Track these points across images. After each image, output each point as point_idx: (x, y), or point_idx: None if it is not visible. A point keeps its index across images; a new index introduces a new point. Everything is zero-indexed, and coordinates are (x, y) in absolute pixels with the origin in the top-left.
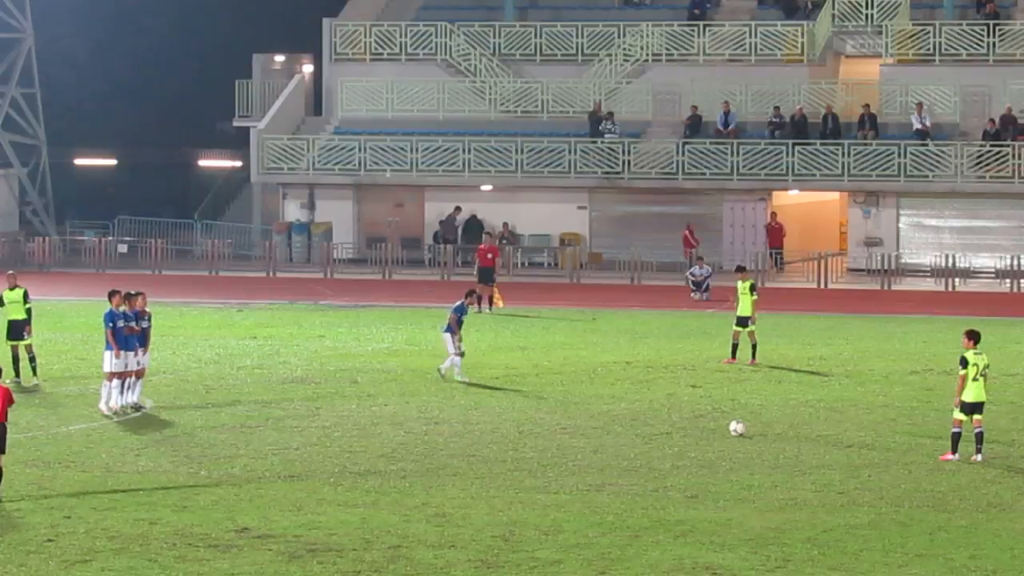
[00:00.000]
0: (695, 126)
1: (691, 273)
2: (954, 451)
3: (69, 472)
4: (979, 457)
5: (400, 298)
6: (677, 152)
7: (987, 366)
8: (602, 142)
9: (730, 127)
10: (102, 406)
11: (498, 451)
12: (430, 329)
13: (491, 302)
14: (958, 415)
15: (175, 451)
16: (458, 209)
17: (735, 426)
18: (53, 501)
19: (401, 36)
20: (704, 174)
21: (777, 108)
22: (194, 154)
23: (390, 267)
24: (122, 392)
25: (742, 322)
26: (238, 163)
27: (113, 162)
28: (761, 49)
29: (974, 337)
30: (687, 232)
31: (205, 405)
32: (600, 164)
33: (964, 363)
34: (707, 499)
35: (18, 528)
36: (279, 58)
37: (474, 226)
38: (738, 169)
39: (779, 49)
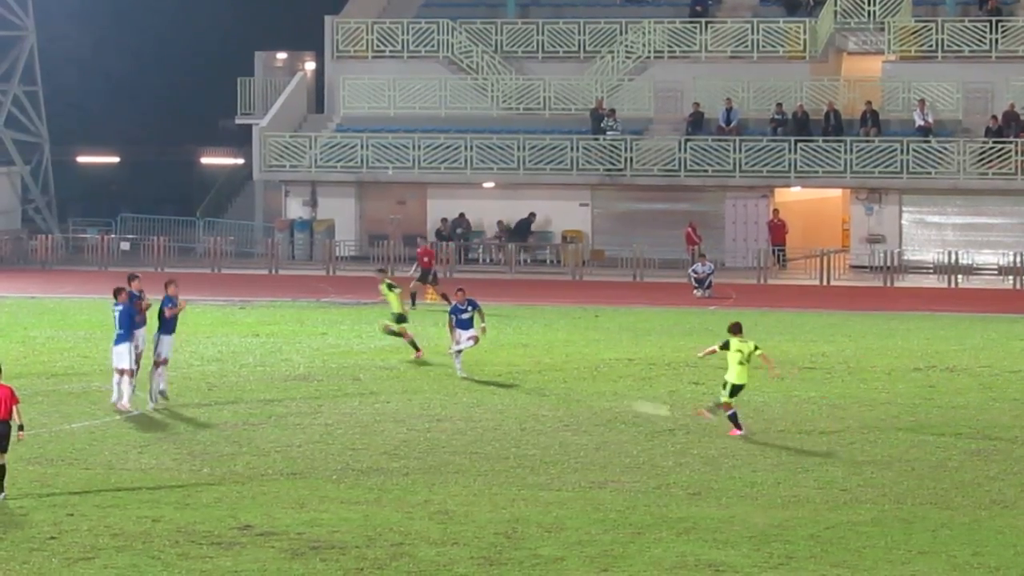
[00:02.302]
0: (697, 123)
1: (693, 270)
2: (738, 427)
3: (72, 469)
4: (711, 417)
5: (402, 295)
6: (679, 149)
7: (751, 353)
8: (604, 139)
9: (732, 124)
10: (126, 403)
11: (500, 448)
12: (432, 326)
13: (413, 298)
14: (726, 399)
15: (177, 449)
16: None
17: (648, 407)
18: (56, 499)
19: (403, 33)
20: (706, 171)
21: (779, 105)
22: (196, 151)
23: (392, 264)
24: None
25: (400, 319)
26: (240, 160)
27: (115, 160)
28: (763, 46)
29: (734, 330)
30: (689, 229)
31: (207, 403)
32: (602, 161)
33: (727, 346)
34: (709, 496)
35: (21, 525)
36: (281, 56)
37: (525, 225)
38: (740, 166)
39: (781, 46)
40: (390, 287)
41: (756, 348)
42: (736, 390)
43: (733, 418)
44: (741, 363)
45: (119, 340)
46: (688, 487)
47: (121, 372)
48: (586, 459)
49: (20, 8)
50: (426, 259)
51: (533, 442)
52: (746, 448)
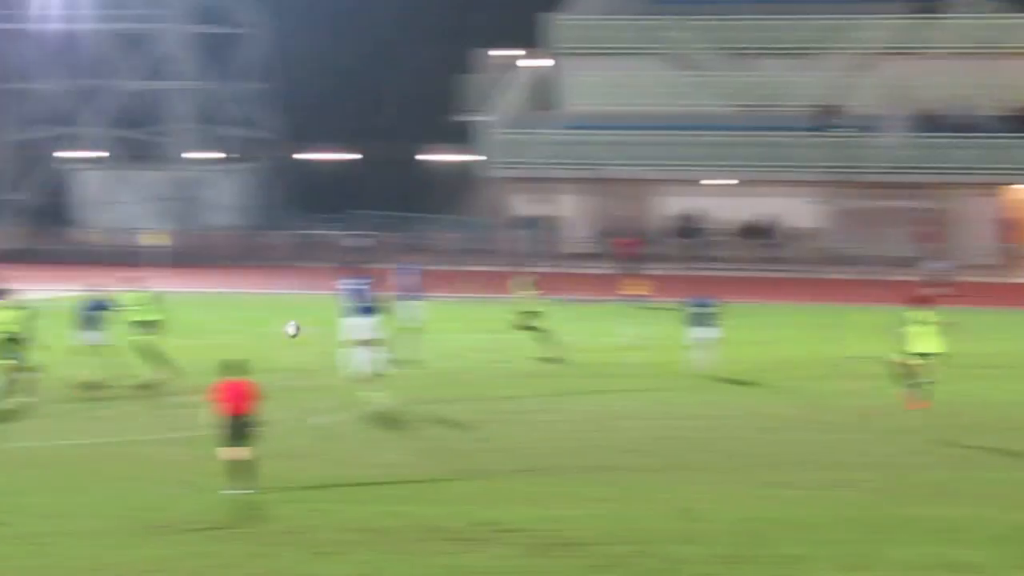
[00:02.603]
0: (927, 120)
1: (927, 267)
2: (917, 398)
3: (313, 464)
4: (924, 404)
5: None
6: (908, 146)
7: (931, 321)
8: (832, 136)
9: (962, 121)
10: (363, 370)
11: (739, 445)
12: (668, 324)
13: (636, 297)
14: (911, 359)
15: (417, 444)
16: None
17: (290, 328)
18: (299, 493)
19: (628, 30)
20: (936, 168)
21: (1011, 101)
22: (424, 149)
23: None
24: None
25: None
26: (469, 157)
27: (346, 156)
28: (994, 41)
29: (916, 301)
30: (920, 227)
31: (446, 399)
32: (830, 158)
33: (904, 320)
34: (952, 496)
35: (267, 519)
36: (505, 53)
37: (766, 225)
38: (971, 163)
39: (1012, 41)
40: (530, 287)
41: (935, 318)
42: (922, 356)
43: (912, 386)
44: (920, 333)
45: (364, 313)
46: (928, 486)
47: (356, 343)
48: (825, 457)
49: (253, 6)
50: (624, 249)
51: (772, 440)
52: (986, 449)
